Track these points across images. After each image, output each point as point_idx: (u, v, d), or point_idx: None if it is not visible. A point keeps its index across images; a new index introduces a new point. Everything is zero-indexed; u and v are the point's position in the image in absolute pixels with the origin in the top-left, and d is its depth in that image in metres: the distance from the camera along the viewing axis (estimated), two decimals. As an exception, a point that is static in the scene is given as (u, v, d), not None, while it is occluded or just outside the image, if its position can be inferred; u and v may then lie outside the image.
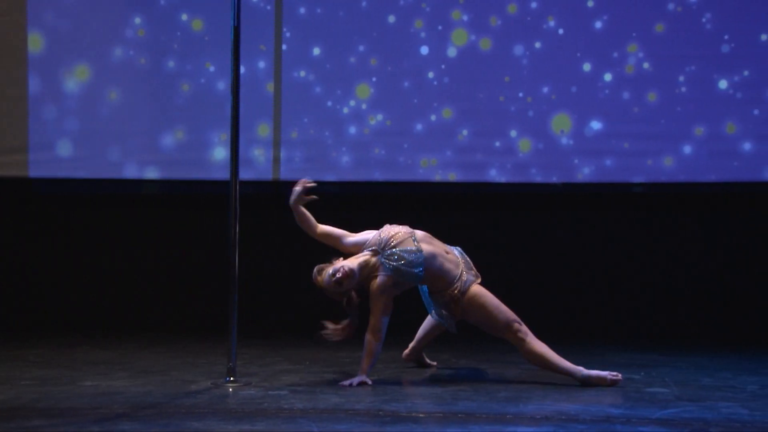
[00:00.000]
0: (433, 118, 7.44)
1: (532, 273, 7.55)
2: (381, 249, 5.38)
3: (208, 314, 7.33)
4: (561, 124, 7.41)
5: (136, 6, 7.44)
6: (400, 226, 5.48)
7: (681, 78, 7.34)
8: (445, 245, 5.55)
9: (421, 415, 4.54)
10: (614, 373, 5.28)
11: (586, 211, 7.58)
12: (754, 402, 4.88)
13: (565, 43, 7.38)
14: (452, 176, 7.44)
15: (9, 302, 7.57)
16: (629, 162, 7.38)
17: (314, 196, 5.45)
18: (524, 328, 5.36)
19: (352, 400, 4.83)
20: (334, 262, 5.39)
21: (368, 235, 5.48)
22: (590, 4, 7.38)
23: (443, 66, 7.43)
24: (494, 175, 7.42)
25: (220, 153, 7.44)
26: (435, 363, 6.02)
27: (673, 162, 7.36)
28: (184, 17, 7.47)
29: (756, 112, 7.32)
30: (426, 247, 5.39)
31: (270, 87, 7.45)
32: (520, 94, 7.41)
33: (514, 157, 7.41)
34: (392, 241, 5.38)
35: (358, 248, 5.46)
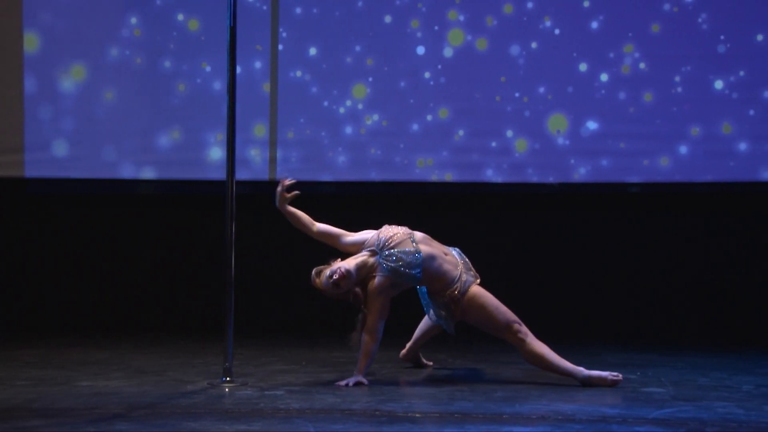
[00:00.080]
0: (429, 118, 7.44)
1: (528, 273, 7.55)
2: (379, 249, 5.37)
3: (204, 314, 7.32)
4: (557, 124, 7.41)
5: (132, 6, 7.43)
6: (399, 227, 5.47)
7: (677, 78, 7.35)
8: (444, 246, 5.54)
9: (417, 415, 4.53)
10: (615, 374, 5.28)
11: (582, 211, 7.58)
12: (750, 402, 4.88)
13: (562, 44, 7.39)
14: (448, 176, 7.44)
15: (4, 302, 7.56)
16: (625, 162, 7.38)
17: (297, 192, 5.43)
18: (524, 328, 5.35)
19: (348, 400, 4.83)
20: (332, 263, 5.38)
21: (367, 235, 5.48)
22: (586, 4, 7.39)
23: (439, 66, 7.43)
24: (490, 175, 7.42)
25: (217, 153, 7.43)
26: (431, 363, 6.02)
27: (669, 162, 7.36)
28: (180, 17, 7.46)
29: (752, 112, 7.32)
30: (424, 249, 5.38)
31: (266, 87, 7.44)
32: (517, 94, 7.41)
33: (510, 157, 7.42)
34: (391, 242, 5.37)
35: (356, 248, 5.45)
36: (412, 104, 7.44)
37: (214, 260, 6.94)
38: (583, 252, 7.57)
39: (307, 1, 7.43)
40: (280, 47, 7.44)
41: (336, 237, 5.50)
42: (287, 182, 5.45)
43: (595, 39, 7.38)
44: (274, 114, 7.45)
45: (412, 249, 5.35)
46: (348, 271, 5.29)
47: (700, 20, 7.34)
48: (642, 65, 7.36)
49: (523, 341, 5.33)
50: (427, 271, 5.36)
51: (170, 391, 5.06)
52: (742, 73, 7.31)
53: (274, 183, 7.34)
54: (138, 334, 7.17)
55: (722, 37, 7.33)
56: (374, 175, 7.46)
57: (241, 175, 6.86)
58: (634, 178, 7.39)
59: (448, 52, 7.43)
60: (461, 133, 7.43)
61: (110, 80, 7.44)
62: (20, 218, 7.65)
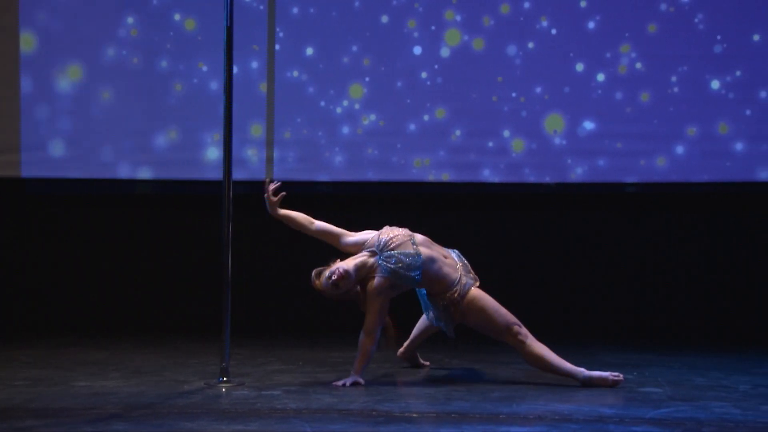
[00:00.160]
0: (426, 118, 7.44)
1: (525, 273, 7.55)
2: (379, 250, 5.36)
3: (201, 314, 7.32)
4: (554, 124, 7.41)
5: (129, 6, 7.43)
6: (400, 229, 5.46)
7: (673, 78, 7.35)
8: (444, 249, 5.54)
9: (414, 415, 4.54)
10: (616, 374, 5.28)
11: (579, 211, 7.58)
12: (747, 402, 4.89)
13: (558, 44, 7.39)
14: (445, 176, 7.44)
15: (1, 303, 7.55)
16: (622, 162, 7.39)
17: (283, 193, 5.42)
18: (524, 330, 5.35)
19: (345, 401, 4.83)
20: (331, 264, 5.38)
21: (367, 235, 5.47)
22: (583, 4, 7.39)
23: (436, 66, 7.43)
24: (487, 175, 7.43)
25: (213, 153, 7.43)
26: (428, 363, 6.02)
27: (666, 162, 7.37)
28: (177, 17, 7.46)
29: (748, 112, 7.33)
30: (425, 251, 5.38)
31: (263, 87, 7.44)
32: (513, 94, 7.42)
33: (507, 157, 7.42)
34: (391, 243, 5.36)
35: (356, 248, 5.44)
36: (409, 104, 7.44)
37: (211, 260, 6.93)
38: (579, 252, 7.58)
39: (303, 1, 7.43)
40: (277, 47, 7.44)
41: (336, 236, 5.49)
42: (272, 186, 5.43)
43: (592, 39, 7.39)
44: (271, 114, 7.45)
45: (412, 251, 5.34)
46: (347, 272, 5.29)
47: (696, 20, 7.35)
48: (639, 65, 7.37)
49: (523, 343, 5.33)
50: (427, 273, 5.35)
51: (167, 391, 5.06)
52: (738, 73, 7.32)
53: (271, 183, 7.41)
54: (135, 334, 7.17)
55: (719, 37, 7.33)
56: (371, 175, 7.46)
57: (238, 175, 6.85)
58: (631, 178, 7.40)
59: (444, 52, 7.43)
60: (458, 133, 7.43)
61: (107, 80, 7.43)
62: (16, 218, 7.64)
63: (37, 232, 7.64)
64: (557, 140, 7.41)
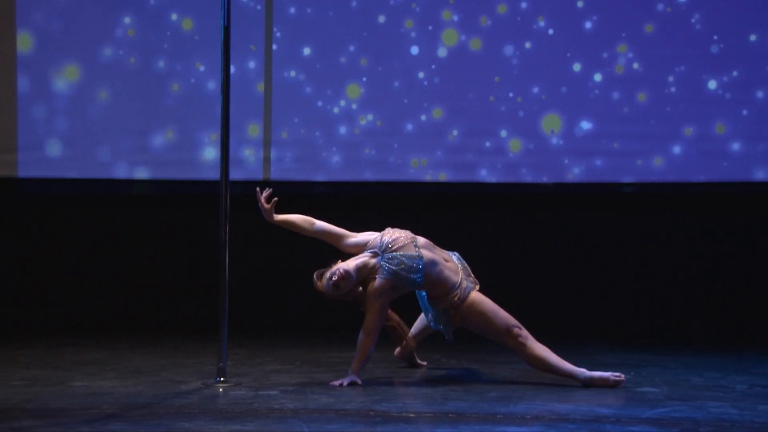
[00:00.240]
0: (423, 118, 7.44)
1: (522, 272, 7.56)
2: (381, 252, 5.36)
3: (199, 314, 7.32)
4: (551, 124, 7.42)
5: (126, 6, 7.42)
6: (403, 231, 5.46)
7: (670, 78, 7.36)
8: (445, 252, 5.54)
9: (411, 415, 4.54)
10: (617, 374, 5.27)
11: (576, 211, 7.59)
12: (744, 401, 4.89)
13: (555, 44, 7.40)
14: (443, 176, 7.44)
15: (-2, 303, 7.56)
16: (619, 162, 7.39)
17: (275, 198, 5.43)
18: (524, 332, 5.34)
19: (342, 400, 4.83)
20: (332, 265, 5.37)
21: (369, 236, 5.47)
22: (580, 4, 7.40)
23: (433, 66, 7.43)
24: (484, 175, 7.43)
25: (211, 153, 7.43)
26: (425, 363, 6.02)
27: (663, 162, 7.38)
28: (174, 17, 7.45)
29: (745, 112, 7.34)
30: (427, 254, 5.37)
31: (260, 87, 7.44)
32: (511, 94, 7.42)
33: (504, 157, 7.42)
34: (394, 245, 5.36)
35: (358, 249, 5.43)
36: (406, 104, 7.44)
37: (208, 260, 6.92)
38: (576, 252, 7.58)
39: (301, 1, 7.43)
40: (274, 47, 7.44)
41: (337, 237, 5.49)
42: (264, 194, 5.43)
43: (589, 39, 7.39)
44: (268, 114, 7.45)
45: (414, 254, 5.34)
46: (347, 272, 5.28)
47: (693, 20, 7.35)
48: (636, 65, 7.37)
49: (523, 345, 5.33)
50: (429, 276, 5.35)
51: (164, 391, 5.06)
52: (735, 73, 7.33)
53: (268, 183, 7.41)
54: (133, 335, 7.16)
55: (716, 38, 7.34)
56: (368, 175, 7.46)
57: (236, 175, 6.86)
58: (628, 178, 7.41)
59: (442, 52, 7.44)
60: (455, 133, 7.43)
61: (104, 80, 7.43)
62: (13, 218, 7.63)
63: (33, 232, 7.63)
64: (554, 140, 7.41)
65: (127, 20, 7.43)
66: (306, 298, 6.99)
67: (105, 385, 5.19)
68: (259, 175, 7.41)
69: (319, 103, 7.45)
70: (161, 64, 7.45)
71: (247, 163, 7.45)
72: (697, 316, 7.49)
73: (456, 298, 5.37)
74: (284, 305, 7.56)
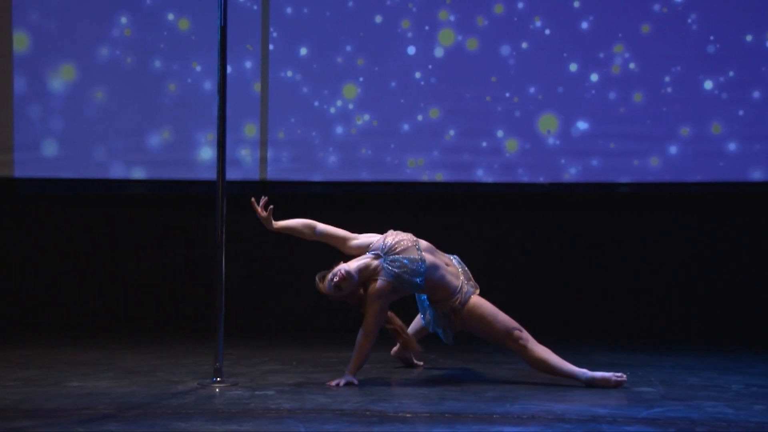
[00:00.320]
0: (420, 118, 7.44)
1: (518, 272, 7.56)
2: (384, 254, 5.35)
3: (195, 314, 7.31)
4: (548, 124, 7.42)
5: (122, 5, 7.42)
6: (405, 234, 5.45)
7: (667, 78, 7.37)
8: (446, 256, 5.54)
9: (408, 415, 4.54)
10: (619, 374, 5.27)
11: (573, 211, 7.59)
12: (740, 401, 4.90)
13: (552, 44, 7.40)
14: (439, 176, 7.44)
15: (-6, 303, 7.55)
16: (615, 162, 7.40)
17: (271, 207, 5.42)
18: (525, 334, 5.34)
19: (339, 400, 4.83)
20: (334, 266, 5.37)
21: (371, 238, 5.47)
22: (576, 4, 7.40)
23: (430, 66, 7.44)
24: (481, 175, 7.43)
25: (207, 153, 7.43)
26: (422, 363, 6.02)
27: (659, 162, 7.38)
28: (171, 17, 7.45)
29: (741, 112, 7.34)
30: (429, 258, 5.37)
31: (257, 87, 7.44)
32: (507, 95, 7.42)
33: (500, 157, 7.42)
34: (396, 247, 5.36)
35: (360, 251, 5.43)
36: (403, 104, 7.44)
37: (204, 260, 6.92)
38: (572, 252, 7.58)
39: (297, 1, 7.43)
40: (271, 47, 7.44)
41: (340, 239, 5.49)
42: (260, 203, 5.43)
43: (586, 39, 7.40)
44: (265, 114, 7.45)
45: (417, 257, 5.34)
46: (348, 273, 5.28)
47: (689, 21, 7.36)
48: (632, 65, 7.38)
49: (524, 347, 5.32)
50: (430, 280, 5.35)
51: (160, 391, 5.05)
52: (731, 73, 7.34)
53: (264, 183, 7.42)
54: (128, 335, 7.16)
55: (712, 38, 7.35)
56: (365, 175, 7.46)
57: (232, 175, 6.86)
58: (624, 178, 7.41)
59: (438, 52, 7.44)
60: (452, 133, 7.44)
61: (100, 80, 7.43)
62: (9, 219, 7.63)
63: (29, 232, 7.62)
64: (551, 140, 7.42)
65: (123, 20, 7.43)
66: (303, 299, 7.00)
67: (101, 386, 5.18)
68: (255, 176, 7.41)
69: (316, 103, 7.45)
70: (158, 64, 7.45)
71: (244, 163, 7.44)
72: (693, 316, 7.50)
73: (457, 303, 5.37)
74: (281, 305, 7.55)
